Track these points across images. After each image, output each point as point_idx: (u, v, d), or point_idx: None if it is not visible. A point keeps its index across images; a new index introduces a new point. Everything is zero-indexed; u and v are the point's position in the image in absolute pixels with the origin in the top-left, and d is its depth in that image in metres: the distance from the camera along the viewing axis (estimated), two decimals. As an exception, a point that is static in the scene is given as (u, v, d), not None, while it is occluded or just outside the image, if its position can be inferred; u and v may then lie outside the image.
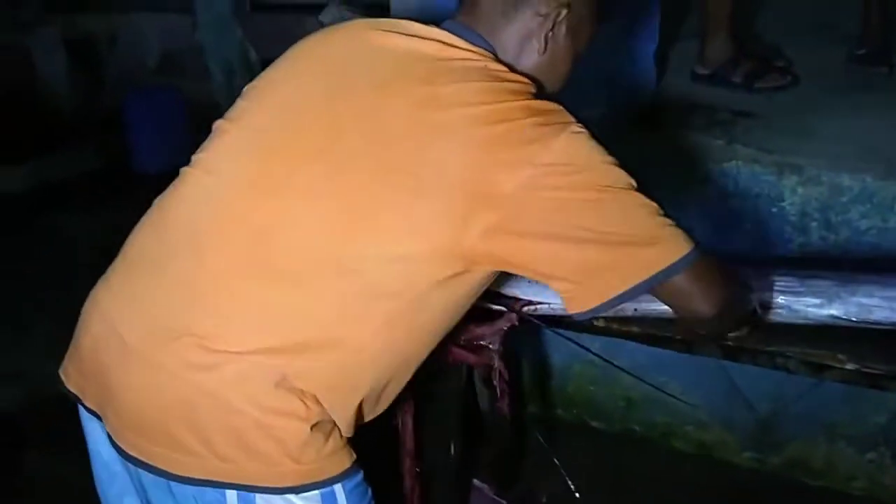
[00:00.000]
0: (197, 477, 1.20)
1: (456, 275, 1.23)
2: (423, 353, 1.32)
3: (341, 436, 1.25)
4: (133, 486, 1.30)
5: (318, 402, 1.21)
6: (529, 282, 1.51)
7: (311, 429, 1.20)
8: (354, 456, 1.26)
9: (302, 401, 1.20)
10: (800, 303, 1.54)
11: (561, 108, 1.24)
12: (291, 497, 1.21)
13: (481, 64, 1.28)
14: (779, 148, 2.21)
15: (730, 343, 1.61)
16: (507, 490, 2.21)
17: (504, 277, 1.42)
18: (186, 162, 1.34)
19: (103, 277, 1.33)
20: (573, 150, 1.20)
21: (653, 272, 1.22)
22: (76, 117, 4.71)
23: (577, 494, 1.85)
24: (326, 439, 1.22)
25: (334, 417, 1.23)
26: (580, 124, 1.22)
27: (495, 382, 1.68)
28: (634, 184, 1.23)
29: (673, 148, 2.26)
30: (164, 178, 1.37)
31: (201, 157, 1.33)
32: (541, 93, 1.32)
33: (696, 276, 1.25)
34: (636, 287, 1.22)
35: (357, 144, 1.22)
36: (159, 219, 1.32)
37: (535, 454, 2.48)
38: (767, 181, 2.19)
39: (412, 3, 2.25)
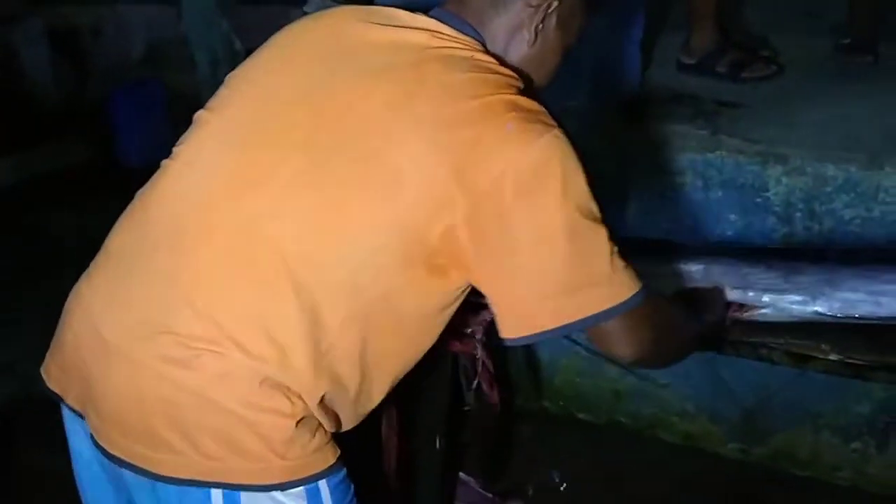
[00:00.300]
0: (181, 476, 1.19)
1: (429, 275, 1.22)
2: (401, 361, 1.31)
3: (326, 432, 1.24)
4: (116, 487, 1.29)
5: (301, 398, 1.20)
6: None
7: (297, 425, 1.20)
8: (339, 452, 1.26)
9: (287, 397, 1.19)
10: (784, 300, 1.55)
11: (545, 110, 1.23)
12: (276, 494, 1.20)
13: (469, 54, 1.27)
14: (763, 138, 2.22)
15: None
16: (494, 483, 2.22)
17: None
18: (170, 154, 1.33)
19: (85, 273, 1.31)
20: (551, 154, 1.18)
21: (591, 313, 1.21)
22: (61, 110, 4.67)
23: (563, 486, 1.85)
24: (312, 435, 1.22)
25: (317, 415, 1.22)
26: (562, 129, 1.21)
27: (478, 371, 1.67)
28: (598, 214, 1.21)
29: (657, 138, 2.26)
30: (150, 170, 1.35)
31: (182, 150, 1.31)
32: (529, 86, 1.30)
33: (630, 323, 1.25)
34: (570, 325, 1.22)
35: (339, 136, 1.21)
36: (140, 213, 1.30)
37: (522, 447, 2.49)
38: (752, 171, 2.20)
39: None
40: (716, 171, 2.22)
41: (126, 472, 1.23)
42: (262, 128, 1.26)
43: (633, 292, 1.23)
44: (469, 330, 1.61)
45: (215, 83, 1.41)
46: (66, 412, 1.32)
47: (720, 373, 2.35)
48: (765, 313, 1.56)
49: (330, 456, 1.24)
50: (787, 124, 2.28)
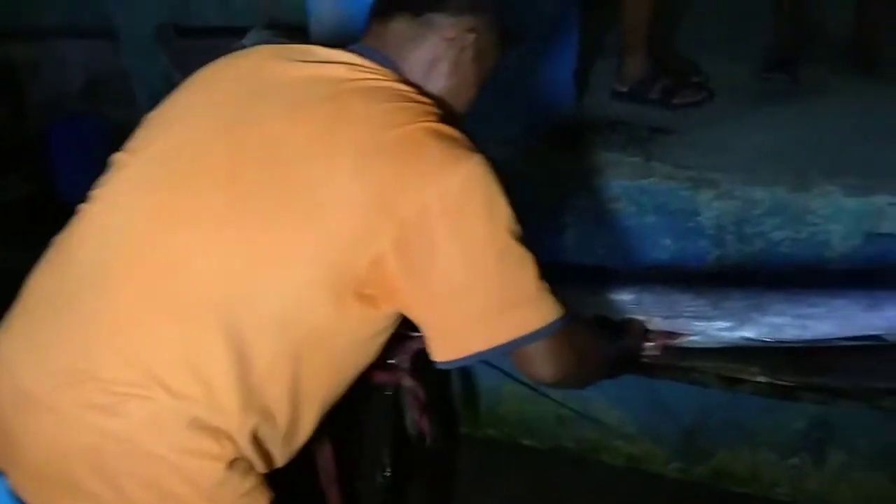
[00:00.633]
0: None
1: (359, 305, 1.22)
2: (333, 389, 1.31)
3: (258, 474, 1.24)
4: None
5: (231, 439, 1.19)
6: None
7: (227, 467, 1.19)
8: (272, 494, 1.25)
9: (215, 439, 1.18)
10: (712, 327, 1.58)
11: (466, 136, 1.25)
12: (207, 539, 1.19)
13: (388, 84, 1.28)
14: (695, 163, 2.25)
15: (646, 360, 1.64)
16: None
17: None
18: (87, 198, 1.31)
19: (3, 321, 1.29)
20: (474, 179, 1.20)
21: (521, 334, 1.23)
22: (-2, 146, 4.60)
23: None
24: (243, 478, 1.21)
25: (248, 454, 1.22)
26: (483, 155, 1.23)
27: (407, 401, 1.67)
28: (520, 235, 1.23)
29: (591, 165, 2.29)
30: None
31: (100, 192, 1.30)
32: (449, 114, 1.32)
33: (554, 345, 1.27)
34: (501, 347, 1.24)
35: (260, 172, 1.21)
36: (59, 259, 1.29)
37: (467, 474, 2.49)
38: (684, 196, 2.22)
39: (330, 25, 2.25)
40: (649, 197, 2.24)
41: None
42: (183, 166, 1.25)
43: (560, 314, 1.25)
44: (394, 360, 1.61)
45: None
46: None
47: (659, 394, 2.37)
48: (694, 340, 1.59)
49: (261, 499, 1.24)
50: (718, 149, 2.31)
